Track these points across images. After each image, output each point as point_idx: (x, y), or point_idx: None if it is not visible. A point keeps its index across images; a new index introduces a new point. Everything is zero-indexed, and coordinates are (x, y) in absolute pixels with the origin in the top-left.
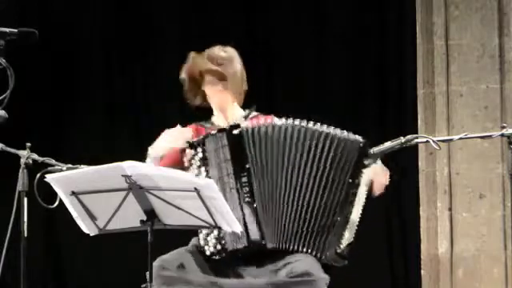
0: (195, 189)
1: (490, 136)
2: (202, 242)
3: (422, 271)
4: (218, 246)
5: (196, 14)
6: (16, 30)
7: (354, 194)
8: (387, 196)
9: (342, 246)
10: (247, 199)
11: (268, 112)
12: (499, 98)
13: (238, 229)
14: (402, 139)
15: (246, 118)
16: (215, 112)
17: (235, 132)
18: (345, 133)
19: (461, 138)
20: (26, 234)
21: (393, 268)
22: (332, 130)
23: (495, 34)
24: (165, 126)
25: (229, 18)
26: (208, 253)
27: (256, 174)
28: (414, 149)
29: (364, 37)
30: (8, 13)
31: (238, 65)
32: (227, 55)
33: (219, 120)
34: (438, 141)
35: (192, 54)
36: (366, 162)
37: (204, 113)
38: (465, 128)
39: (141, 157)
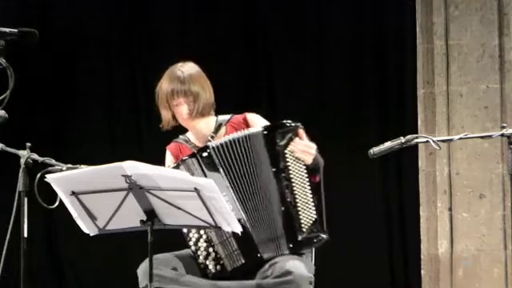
0: (195, 189)
1: (490, 136)
2: (201, 266)
3: (422, 271)
4: (218, 267)
5: (196, 15)
6: (16, 30)
7: (287, 178)
8: (387, 196)
9: (304, 229)
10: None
11: (271, 112)
12: (499, 98)
13: (239, 229)
14: (402, 139)
15: (220, 126)
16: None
17: (204, 154)
18: (251, 130)
19: (461, 138)
20: (25, 234)
21: (393, 268)
22: (243, 132)
23: (495, 34)
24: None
25: (229, 20)
26: (210, 275)
27: (234, 190)
28: (414, 149)
29: (364, 37)
30: (8, 13)
31: (200, 80)
32: (186, 74)
33: (191, 134)
34: (438, 141)
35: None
36: (281, 144)
37: None
38: (465, 128)
39: (141, 157)
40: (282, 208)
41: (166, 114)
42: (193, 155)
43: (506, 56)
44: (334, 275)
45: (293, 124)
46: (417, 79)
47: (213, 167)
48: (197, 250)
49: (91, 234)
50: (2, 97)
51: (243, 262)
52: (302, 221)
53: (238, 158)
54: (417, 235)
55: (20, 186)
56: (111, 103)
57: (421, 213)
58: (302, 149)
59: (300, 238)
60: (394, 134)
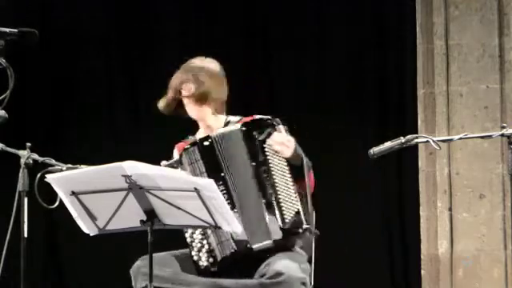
0: (195, 189)
1: (490, 136)
2: (195, 258)
3: (422, 271)
4: (211, 259)
5: (196, 15)
6: (16, 30)
7: (267, 171)
8: (387, 196)
9: (286, 221)
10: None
11: (270, 112)
12: (499, 98)
13: (239, 229)
14: (402, 139)
15: (228, 123)
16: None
17: (206, 143)
18: (230, 127)
19: (461, 138)
20: (26, 234)
21: (393, 268)
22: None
23: (495, 34)
24: (165, 125)
25: (229, 20)
26: (203, 267)
27: (230, 181)
28: (414, 149)
29: (364, 37)
30: (8, 13)
31: (214, 75)
32: (203, 66)
33: (201, 133)
34: (438, 141)
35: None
36: (259, 138)
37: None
38: (465, 128)
39: (141, 157)
40: (263, 200)
41: (170, 97)
42: (194, 143)
43: (506, 56)
44: (334, 275)
45: (271, 119)
46: (417, 79)
47: (213, 156)
48: (192, 241)
49: (91, 234)
50: (2, 97)
51: (233, 251)
52: (285, 212)
53: (231, 151)
54: (417, 235)
55: (20, 186)
56: (111, 103)
57: (421, 213)
58: (280, 141)
59: (286, 226)
60: (394, 134)
